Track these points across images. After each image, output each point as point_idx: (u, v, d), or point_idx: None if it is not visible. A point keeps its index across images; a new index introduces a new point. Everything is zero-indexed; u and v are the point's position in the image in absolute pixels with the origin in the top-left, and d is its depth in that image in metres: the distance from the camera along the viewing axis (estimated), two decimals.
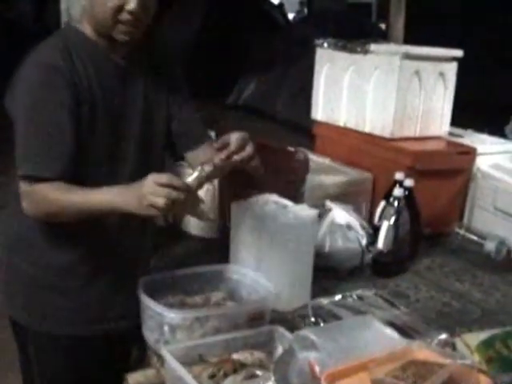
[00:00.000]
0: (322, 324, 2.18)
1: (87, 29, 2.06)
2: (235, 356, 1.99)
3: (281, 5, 16.36)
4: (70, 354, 2.23)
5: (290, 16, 16.77)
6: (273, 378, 1.69)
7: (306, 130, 4.09)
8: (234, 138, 2.05)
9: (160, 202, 1.80)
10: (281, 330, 2.08)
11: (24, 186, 1.97)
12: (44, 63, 1.97)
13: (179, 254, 2.95)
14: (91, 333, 2.23)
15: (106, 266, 2.20)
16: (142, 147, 2.18)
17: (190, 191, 1.91)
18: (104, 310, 2.24)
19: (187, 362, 1.94)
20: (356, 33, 4.33)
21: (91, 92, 2.01)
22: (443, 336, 2.09)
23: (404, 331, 2.09)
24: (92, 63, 2.04)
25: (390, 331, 1.94)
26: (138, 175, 1.95)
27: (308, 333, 1.82)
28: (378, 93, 3.39)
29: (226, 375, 1.91)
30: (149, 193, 1.81)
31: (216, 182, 2.96)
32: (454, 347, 2.05)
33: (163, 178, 1.83)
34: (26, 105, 1.95)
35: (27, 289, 2.18)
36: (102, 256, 2.17)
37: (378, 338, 1.88)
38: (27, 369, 2.29)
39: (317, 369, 1.67)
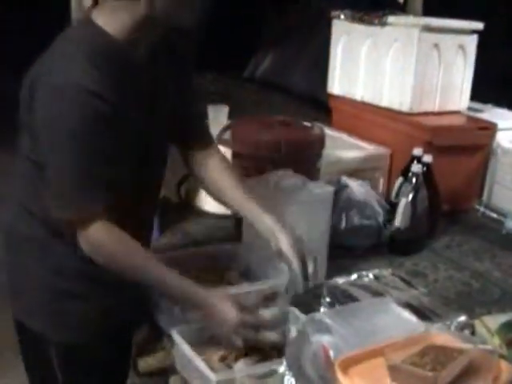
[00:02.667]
0: (337, 305, 2.12)
1: (111, 25, 1.83)
2: None
3: None
4: (97, 359, 2.14)
5: None
6: (284, 363, 1.63)
7: (323, 104, 4.03)
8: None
9: (238, 342, 1.87)
10: (295, 311, 2.03)
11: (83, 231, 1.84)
12: (86, 91, 1.73)
13: (192, 231, 2.90)
14: (115, 337, 2.15)
15: None
16: (165, 145, 2.13)
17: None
18: (121, 305, 2.15)
19: (198, 344, 1.89)
20: (372, 5, 4.23)
21: (126, 108, 1.88)
22: (462, 318, 2.03)
23: (422, 313, 2.03)
24: (122, 75, 1.85)
25: (407, 314, 1.88)
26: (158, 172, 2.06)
27: (322, 316, 1.76)
28: (396, 66, 3.31)
29: (237, 358, 1.86)
30: (232, 330, 1.86)
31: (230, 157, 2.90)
32: (473, 329, 2.00)
33: (251, 319, 1.89)
34: (65, 135, 1.75)
35: (45, 295, 2.07)
36: None
37: (396, 321, 1.82)
38: (45, 380, 2.20)
39: (331, 353, 1.61)
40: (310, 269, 2.08)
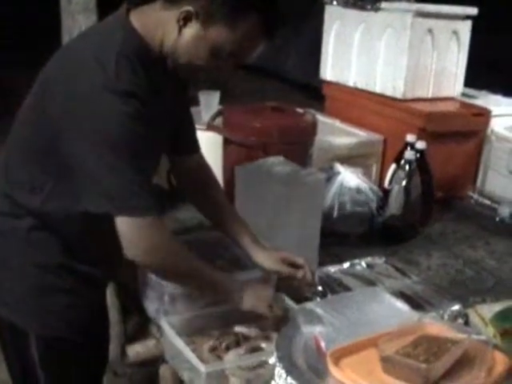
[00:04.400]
0: (329, 294, 2.10)
1: (155, 42, 1.81)
2: (238, 328, 1.91)
3: None
4: (79, 353, 2.11)
5: None
6: (275, 354, 1.60)
7: (317, 91, 4.00)
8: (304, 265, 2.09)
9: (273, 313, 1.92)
10: (286, 299, 2.00)
11: (133, 227, 1.76)
12: (126, 92, 1.70)
13: (183, 219, 2.87)
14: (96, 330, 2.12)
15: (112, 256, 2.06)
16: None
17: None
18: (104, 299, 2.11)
19: (187, 334, 1.87)
20: None
21: (158, 115, 1.86)
22: (456, 307, 2.01)
23: (415, 302, 2.02)
24: (155, 81, 1.82)
25: (400, 304, 1.86)
26: None
27: (313, 306, 1.74)
28: (390, 52, 3.29)
29: (228, 348, 1.84)
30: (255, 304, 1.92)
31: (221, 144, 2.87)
32: (467, 319, 1.98)
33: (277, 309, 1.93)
34: (113, 137, 1.69)
35: (27, 289, 2.03)
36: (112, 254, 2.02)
37: (388, 311, 1.79)
38: (26, 374, 2.16)
39: (322, 344, 1.59)
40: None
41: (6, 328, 2.04)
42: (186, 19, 1.72)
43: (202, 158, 2.23)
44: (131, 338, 2.25)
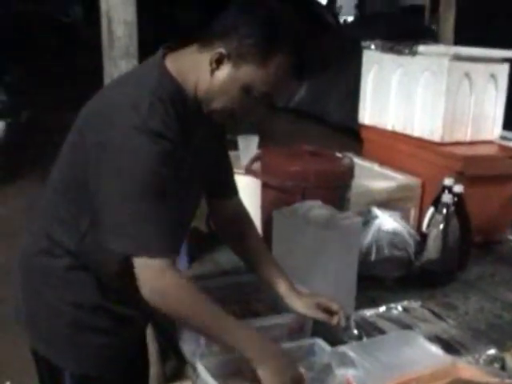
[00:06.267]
0: (364, 337, 2.10)
1: (190, 86, 1.86)
2: None
3: (330, 5, 16.34)
4: None
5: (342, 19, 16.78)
6: None
7: (356, 134, 4.03)
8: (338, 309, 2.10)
9: None
10: (321, 343, 2.01)
11: (145, 267, 1.77)
12: (158, 133, 1.74)
13: (221, 261, 2.89)
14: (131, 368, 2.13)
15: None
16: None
17: None
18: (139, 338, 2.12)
19: (223, 376, 1.87)
20: (408, 35, 4.22)
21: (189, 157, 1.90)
22: (492, 351, 2.00)
23: (450, 346, 2.01)
24: (185, 123, 1.86)
25: (434, 348, 1.86)
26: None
27: (346, 349, 1.75)
28: (427, 96, 3.30)
29: None
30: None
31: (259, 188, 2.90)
32: (503, 363, 1.96)
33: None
34: (141, 176, 1.74)
35: (62, 327, 2.05)
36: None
37: (422, 354, 1.79)
38: None
39: None
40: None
41: (43, 363, 2.08)
42: (218, 61, 1.77)
43: (240, 203, 2.25)
44: (169, 379, 2.27)
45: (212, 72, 1.79)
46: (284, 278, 2.15)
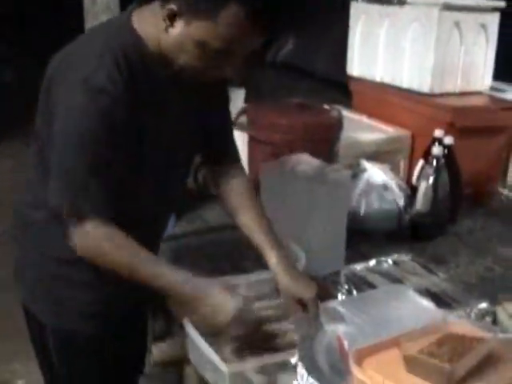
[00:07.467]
0: (354, 292, 2.08)
1: (152, 42, 1.79)
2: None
3: None
4: (97, 350, 2.10)
5: None
6: (297, 354, 1.58)
7: (346, 88, 3.98)
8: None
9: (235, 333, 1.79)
10: None
11: (79, 227, 1.77)
12: (97, 89, 1.69)
13: (209, 218, 2.86)
14: (116, 327, 2.10)
15: None
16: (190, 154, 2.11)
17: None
18: (124, 295, 2.09)
19: (211, 335, 1.84)
20: None
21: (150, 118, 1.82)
22: (483, 305, 1.99)
23: (441, 300, 1.99)
24: (145, 85, 1.80)
25: (425, 302, 1.84)
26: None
27: (336, 305, 1.72)
28: (416, 46, 3.24)
29: (251, 350, 1.81)
30: (228, 323, 1.76)
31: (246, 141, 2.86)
32: (494, 317, 1.94)
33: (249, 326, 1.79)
34: (76, 134, 1.72)
35: (45, 281, 2.04)
36: None
37: (413, 309, 1.77)
38: (50, 369, 2.17)
39: (345, 344, 1.56)
40: None
41: (30, 319, 2.09)
42: (170, 18, 1.70)
43: (241, 172, 2.18)
44: (157, 337, 2.24)
45: (166, 29, 1.73)
46: (276, 252, 2.06)
